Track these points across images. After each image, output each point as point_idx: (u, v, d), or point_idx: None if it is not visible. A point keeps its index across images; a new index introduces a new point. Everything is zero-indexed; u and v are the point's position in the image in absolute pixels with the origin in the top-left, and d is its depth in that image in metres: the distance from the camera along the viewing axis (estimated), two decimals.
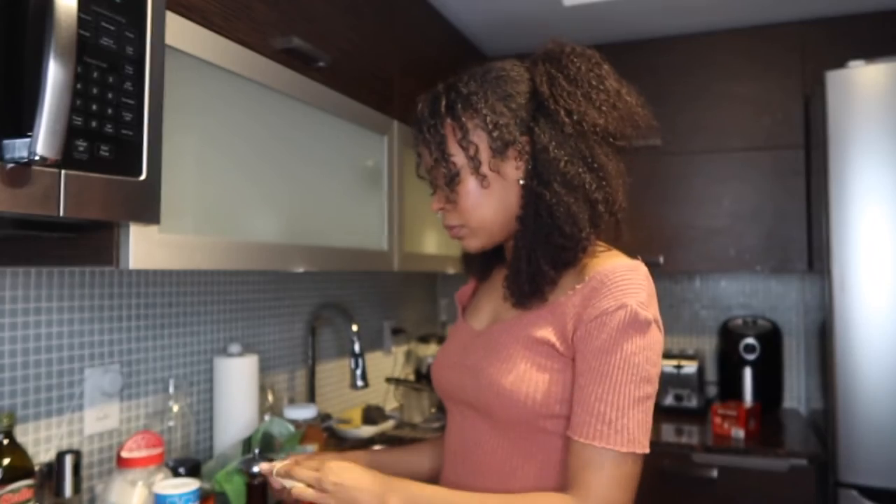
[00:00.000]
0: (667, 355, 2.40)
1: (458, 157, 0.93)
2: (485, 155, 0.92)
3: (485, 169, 0.92)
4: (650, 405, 0.85)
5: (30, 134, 0.67)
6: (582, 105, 0.91)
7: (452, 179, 0.94)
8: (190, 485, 1.02)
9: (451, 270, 2.08)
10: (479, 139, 0.92)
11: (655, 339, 0.86)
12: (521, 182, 0.93)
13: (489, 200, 0.94)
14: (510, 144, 0.92)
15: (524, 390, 0.87)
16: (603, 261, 0.91)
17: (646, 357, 0.84)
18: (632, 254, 0.95)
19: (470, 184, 0.93)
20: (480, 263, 1.10)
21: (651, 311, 0.86)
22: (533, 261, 0.91)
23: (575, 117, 0.91)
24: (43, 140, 0.66)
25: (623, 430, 0.82)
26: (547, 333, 0.89)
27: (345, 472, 0.87)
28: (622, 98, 0.95)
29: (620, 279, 0.87)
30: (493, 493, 0.88)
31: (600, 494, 0.81)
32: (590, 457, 0.83)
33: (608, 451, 0.82)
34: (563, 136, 0.91)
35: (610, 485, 0.82)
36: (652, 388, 0.85)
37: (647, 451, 0.84)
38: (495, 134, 0.91)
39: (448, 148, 0.93)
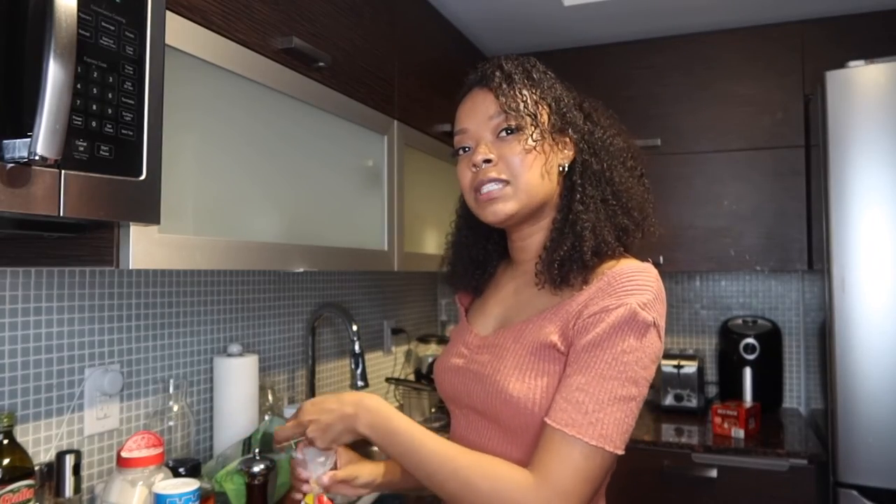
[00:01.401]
0: (667, 355, 2.40)
1: (526, 111, 0.95)
2: (548, 127, 0.96)
3: (547, 136, 0.96)
4: (633, 407, 0.83)
5: (30, 134, 0.67)
6: (614, 130, 1.02)
7: (519, 129, 0.94)
8: (190, 485, 1.02)
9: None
10: (546, 110, 0.97)
11: (652, 343, 0.85)
12: (563, 169, 0.97)
13: (540, 163, 0.95)
14: (567, 128, 0.97)
15: (530, 396, 0.87)
16: (613, 263, 0.92)
17: (636, 358, 0.83)
18: (632, 254, 0.96)
19: (531, 140, 0.94)
20: (468, 280, 1.10)
21: (653, 313, 0.85)
22: (598, 233, 0.92)
23: (617, 140, 1.01)
24: (43, 140, 0.66)
25: (597, 424, 0.80)
26: (552, 336, 0.89)
27: (319, 405, 0.94)
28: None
29: (627, 280, 0.87)
30: (461, 448, 0.88)
31: (559, 481, 0.80)
32: (559, 442, 0.81)
33: (577, 441, 0.80)
34: (607, 149, 0.99)
35: (571, 474, 0.80)
36: (637, 391, 0.84)
37: (621, 452, 0.82)
38: (556, 116, 0.97)
39: (521, 101, 0.95)
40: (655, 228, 1.00)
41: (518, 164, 0.93)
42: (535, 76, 0.99)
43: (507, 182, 0.94)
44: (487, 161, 0.94)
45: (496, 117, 0.95)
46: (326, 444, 0.94)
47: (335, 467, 0.99)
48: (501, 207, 0.94)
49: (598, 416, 0.81)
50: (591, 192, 0.95)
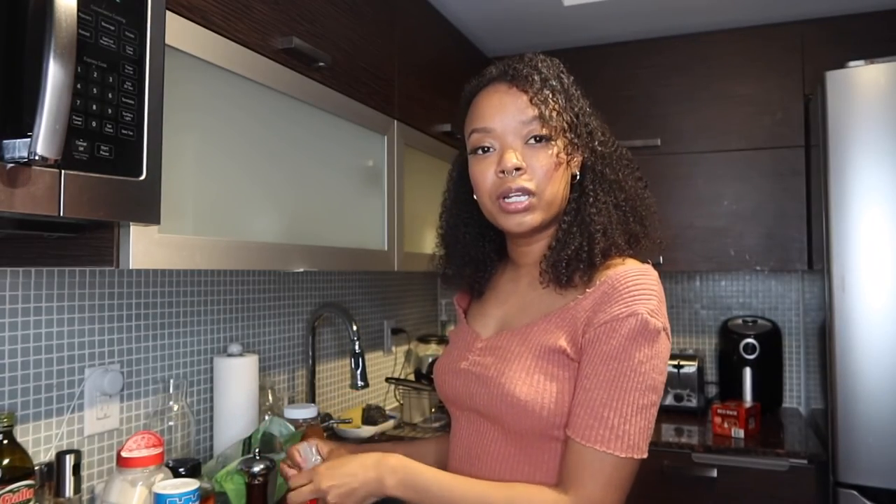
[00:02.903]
0: None
1: (558, 121, 0.93)
2: (572, 135, 0.95)
3: (570, 146, 0.94)
4: (654, 412, 0.86)
5: (30, 134, 0.67)
6: (615, 139, 1.02)
7: (550, 138, 0.92)
8: (190, 485, 1.02)
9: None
10: (570, 118, 0.95)
11: (664, 347, 0.87)
12: (577, 175, 0.97)
13: (565, 176, 0.95)
14: (590, 140, 0.96)
15: (538, 401, 0.87)
16: (614, 265, 0.92)
17: (653, 366, 0.85)
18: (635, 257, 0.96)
19: (560, 149, 0.93)
20: (465, 279, 1.10)
21: (661, 318, 0.87)
22: (610, 236, 0.92)
23: (624, 152, 1.01)
24: (43, 140, 0.66)
25: (625, 436, 0.83)
26: (559, 340, 0.89)
27: (336, 471, 0.91)
28: None
29: (632, 284, 0.87)
30: (492, 482, 0.88)
31: (595, 496, 0.82)
32: (590, 459, 0.83)
33: (608, 455, 0.83)
34: (619, 159, 0.99)
35: (606, 487, 0.83)
36: (657, 396, 0.86)
37: (646, 455, 0.84)
38: (582, 127, 0.96)
39: (555, 109, 0.93)
40: (662, 239, 1.01)
41: (545, 176, 0.92)
42: (564, 81, 0.97)
43: (533, 193, 0.92)
44: (518, 169, 0.91)
45: (530, 123, 0.92)
46: None
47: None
48: (529, 219, 0.93)
49: (625, 429, 0.83)
50: (603, 197, 0.95)
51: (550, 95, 0.93)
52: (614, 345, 0.85)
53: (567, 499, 0.83)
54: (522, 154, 0.92)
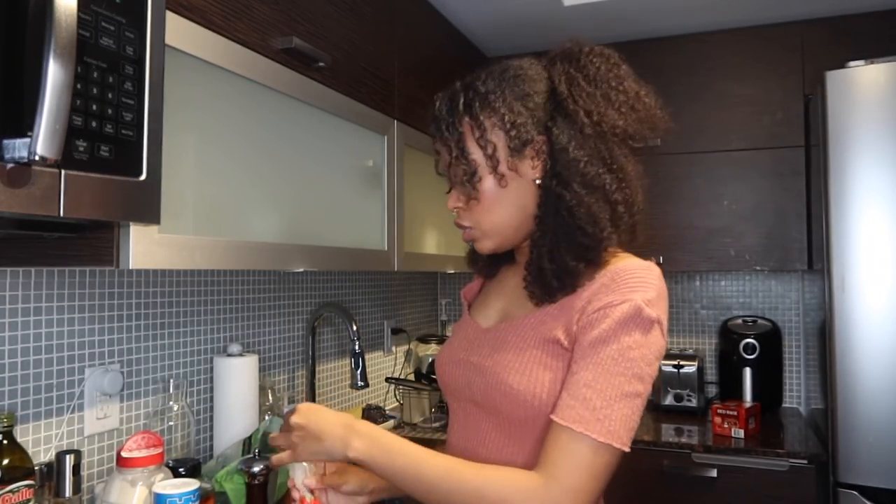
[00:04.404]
0: (667, 355, 2.40)
1: (477, 156, 0.92)
2: (502, 154, 0.92)
3: (503, 168, 0.92)
4: (639, 404, 0.83)
5: (30, 134, 0.67)
6: (601, 106, 0.92)
7: (471, 178, 0.92)
8: (190, 485, 1.02)
9: (451, 270, 2.08)
10: (497, 138, 0.92)
11: (656, 339, 0.85)
12: (538, 182, 0.93)
13: (505, 200, 0.93)
14: (527, 144, 0.92)
15: (531, 390, 0.87)
16: (615, 260, 0.91)
17: (642, 355, 0.83)
18: (636, 254, 0.95)
19: (487, 183, 0.93)
20: (486, 261, 1.10)
21: (657, 310, 0.85)
22: (557, 258, 0.90)
23: (595, 118, 0.91)
24: (43, 140, 0.66)
25: (605, 420, 0.80)
26: (556, 331, 0.89)
27: (311, 414, 0.91)
28: (641, 99, 0.95)
29: (631, 277, 0.87)
30: (462, 460, 0.86)
31: (567, 478, 0.79)
32: (566, 440, 0.81)
33: (585, 438, 0.80)
34: (583, 136, 0.91)
35: (579, 471, 0.80)
36: (643, 388, 0.83)
37: (627, 448, 0.82)
38: (513, 133, 0.91)
39: (466, 146, 0.93)
40: (609, 240, 0.91)
41: (476, 212, 0.95)
42: (475, 106, 0.92)
43: (472, 227, 0.97)
44: (457, 207, 0.98)
45: (449, 167, 0.96)
46: (304, 459, 0.92)
47: (324, 472, 0.98)
48: (481, 247, 0.99)
49: (606, 413, 0.81)
50: (548, 210, 0.92)
51: (455, 134, 0.93)
52: (604, 328, 0.84)
53: (537, 478, 0.81)
54: (461, 193, 0.97)
